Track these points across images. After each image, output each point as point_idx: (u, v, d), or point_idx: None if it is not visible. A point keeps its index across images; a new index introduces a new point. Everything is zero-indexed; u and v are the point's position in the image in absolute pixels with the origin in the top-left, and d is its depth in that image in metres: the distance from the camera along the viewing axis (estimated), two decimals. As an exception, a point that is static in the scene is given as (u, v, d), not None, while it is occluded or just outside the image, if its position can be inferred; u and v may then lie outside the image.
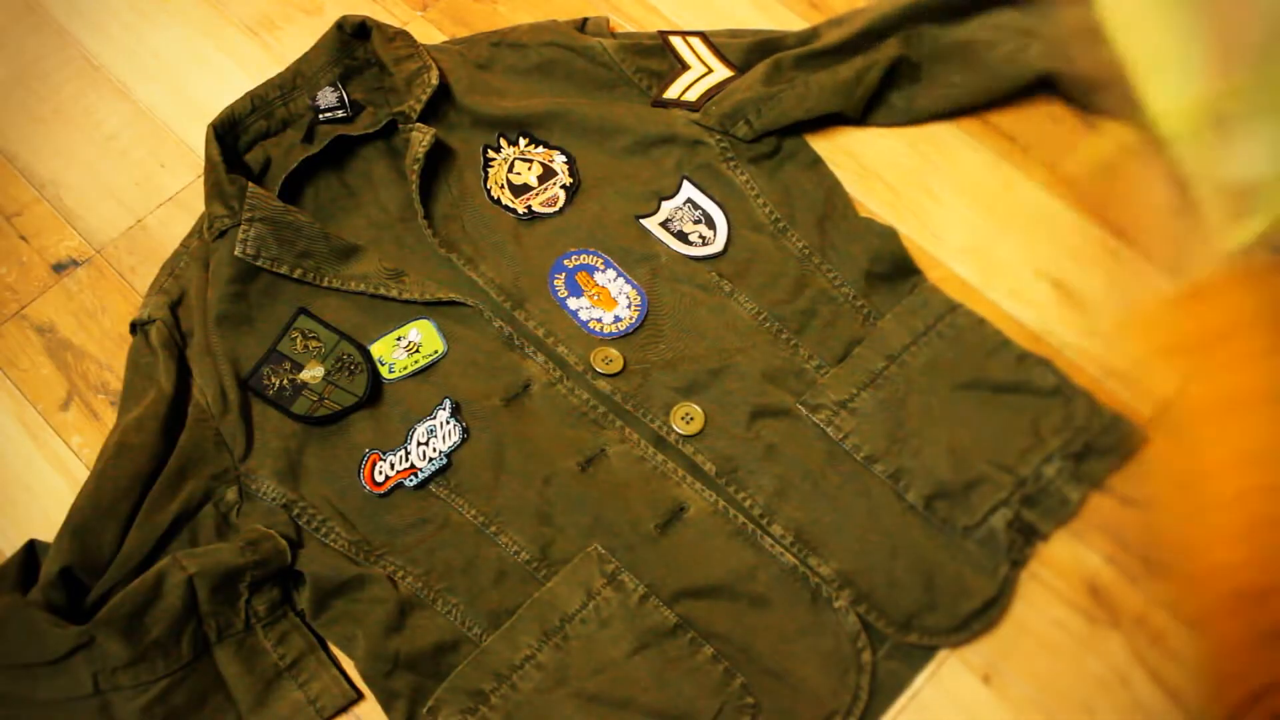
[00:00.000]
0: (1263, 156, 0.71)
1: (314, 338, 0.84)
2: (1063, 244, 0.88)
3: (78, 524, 0.76)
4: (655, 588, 0.75)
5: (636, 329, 0.85)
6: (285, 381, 0.83)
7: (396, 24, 1.00)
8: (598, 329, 0.85)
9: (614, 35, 1.00)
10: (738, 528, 0.77)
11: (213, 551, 0.76)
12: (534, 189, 0.91)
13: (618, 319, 0.85)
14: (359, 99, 0.94)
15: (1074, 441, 0.78)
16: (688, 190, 0.90)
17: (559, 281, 0.87)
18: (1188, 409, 0.75)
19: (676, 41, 0.97)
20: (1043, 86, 0.93)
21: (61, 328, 0.92)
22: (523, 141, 0.93)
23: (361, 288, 0.85)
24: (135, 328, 0.86)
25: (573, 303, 0.86)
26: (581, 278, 0.87)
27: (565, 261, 0.88)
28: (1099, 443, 0.78)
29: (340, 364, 0.83)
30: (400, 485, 0.79)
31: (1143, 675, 0.72)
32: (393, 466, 0.80)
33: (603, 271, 0.87)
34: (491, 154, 0.93)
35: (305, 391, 0.82)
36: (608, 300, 0.86)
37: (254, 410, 0.82)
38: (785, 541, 0.76)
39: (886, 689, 0.73)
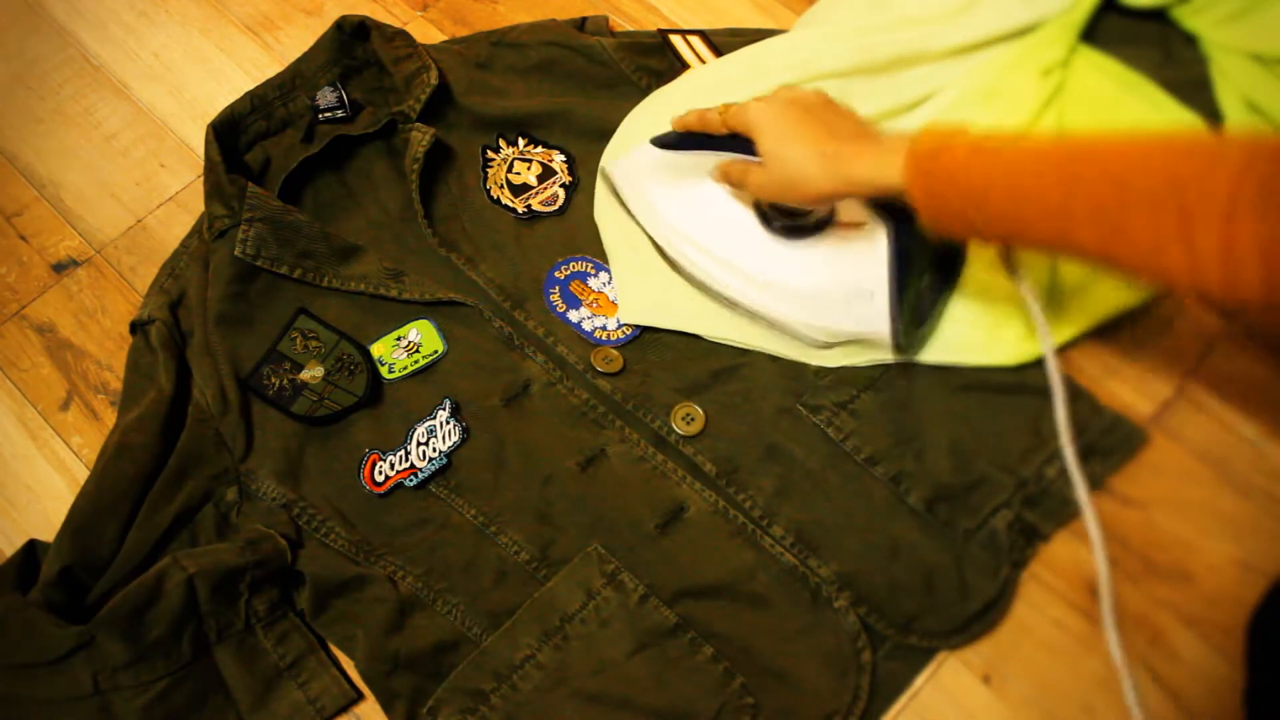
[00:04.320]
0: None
1: (314, 338, 0.84)
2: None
3: (78, 524, 0.76)
4: (655, 588, 0.75)
5: (641, 333, 0.84)
6: (285, 381, 0.83)
7: (396, 24, 1.00)
8: (603, 337, 0.84)
9: (613, 34, 1.00)
10: (738, 528, 0.77)
11: (213, 551, 0.76)
12: (534, 188, 0.91)
13: (620, 324, 0.85)
14: (358, 99, 0.94)
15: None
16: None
17: (555, 296, 0.86)
18: None
19: (676, 40, 0.97)
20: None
21: (61, 328, 0.92)
22: (522, 141, 0.93)
23: (361, 288, 0.85)
24: (135, 328, 0.86)
25: (573, 315, 0.85)
26: (576, 287, 0.86)
27: (556, 274, 0.87)
28: (1099, 443, 0.78)
29: (340, 364, 0.83)
30: (400, 485, 0.79)
31: (1143, 675, 0.72)
32: (393, 466, 0.80)
33: (595, 276, 0.87)
34: (491, 154, 0.93)
35: (305, 391, 0.82)
36: (607, 305, 0.86)
37: (254, 410, 0.82)
38: (785, 542, 0.76)
39: (886, 689, 0.73)
